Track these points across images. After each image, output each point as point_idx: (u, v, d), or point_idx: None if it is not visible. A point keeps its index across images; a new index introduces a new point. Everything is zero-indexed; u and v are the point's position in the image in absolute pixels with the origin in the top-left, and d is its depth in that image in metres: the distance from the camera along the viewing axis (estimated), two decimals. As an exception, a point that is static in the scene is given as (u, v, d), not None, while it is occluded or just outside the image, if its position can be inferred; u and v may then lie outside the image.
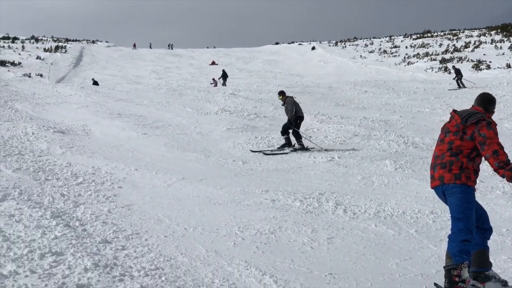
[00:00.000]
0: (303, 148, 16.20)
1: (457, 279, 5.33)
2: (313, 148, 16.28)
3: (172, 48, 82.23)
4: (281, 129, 17.02)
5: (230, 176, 12.35)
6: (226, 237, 7.61)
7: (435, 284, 5.64)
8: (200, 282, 5.81)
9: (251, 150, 15.76)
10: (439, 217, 8.72)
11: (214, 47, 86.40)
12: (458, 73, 33.97)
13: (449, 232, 5.58)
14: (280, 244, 7.37)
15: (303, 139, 16.65)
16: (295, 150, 16.10)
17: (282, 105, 17.44)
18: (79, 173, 11.47)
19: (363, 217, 8.82)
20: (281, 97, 17.38)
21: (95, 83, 40.14)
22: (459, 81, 33.43)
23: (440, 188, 5.66)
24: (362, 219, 8.67)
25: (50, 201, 8.97)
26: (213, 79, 43.60)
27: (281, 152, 15.89)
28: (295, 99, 17.38)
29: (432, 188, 5.85)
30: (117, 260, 6.29)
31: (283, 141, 16.82)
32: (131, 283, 5.59)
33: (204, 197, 10.03)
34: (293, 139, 16.71)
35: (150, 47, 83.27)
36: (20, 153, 12.99)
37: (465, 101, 26.15)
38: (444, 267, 5.49)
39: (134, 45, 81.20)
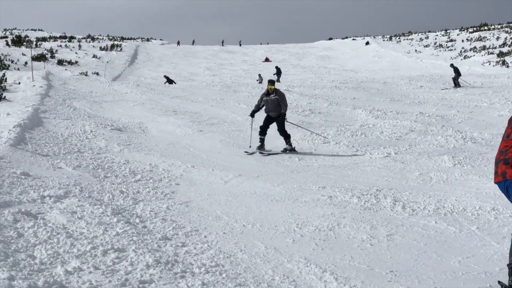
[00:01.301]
0: (293, 150, 15.24)
1: (521, 276, 5.23)
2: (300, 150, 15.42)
3: (223, 45, 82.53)
4: (260, 129, 15.81)
5: (286, 173, 12.34)
6: (284, 234, 7.60)
7: (499, 282, 5.54)
8: (261, 279, 5.82)
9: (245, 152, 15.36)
10: (501, 214, 8.55)
11: (268, 43, 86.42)
12: (456, 71, 32.28)
13: (512, 229, 5.47)
14: (339, 241, 7.33)
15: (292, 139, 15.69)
16: (286, 151, 15.16)
17: (269, 96, 15.97)
18: (137, 170, 11.60)
19: (422, 213, 8.70)
20: (272, 87, 16.12)
21: (169, 80, 40.29)
22: (456, 80, 31.67)
23: (503, 184, 5.55)
24: (421, 216, 8.56)
25: (110, 198, 9.10)
26: (259, 75, 43.47)
27: (268, 153, 15.13)
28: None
29: (495, 183, 5.74)
30: (178, 256, 6.34)
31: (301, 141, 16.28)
32: (193, 280, 5.63)
33: (261, 194, 10.05)
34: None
35: (193, 44, 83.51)
36: (80, 150, 13.21)
37: (525, 95, 25.65)
38: (507, 264, 5.39)
39: (178, 43, 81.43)
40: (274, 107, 15.86)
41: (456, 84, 31.13)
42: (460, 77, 31.81)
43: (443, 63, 50.85)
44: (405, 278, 5.98)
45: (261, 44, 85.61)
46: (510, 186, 5.46)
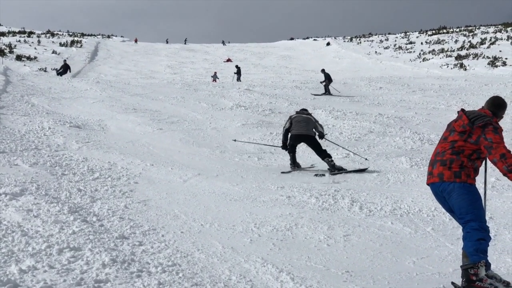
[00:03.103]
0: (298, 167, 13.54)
1: (474, 278, 5.33)
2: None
3: (186, 43, 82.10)
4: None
5: (245, 172, 12.37)
6: (242, 234, 7.63)
7: (452, 283, 5.63)
8: (217, 279, 5.83)
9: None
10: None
11: (229, 42, 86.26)
12: (327, 77, 31.14)
13: (466, 231, 5.56)
14: (297, 241, 7.38)
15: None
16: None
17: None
18: (95, 168, 11.51)
19: (379, 214, 8.81)
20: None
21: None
22: (327, 87, 30.56)
23: (438, 186, 5.65)
24: (378, 217, 8.66)
25: (67, 196, 9.02)
26: (215, 72, 43.26)
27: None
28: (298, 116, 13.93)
29: (428, 184, 5.84)
30: (135, 256, 6.32)
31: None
32: (149, 279, 5.61)
33: (220, 193, 10.06)
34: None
35: (167, 43, 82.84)
36: (37, 147, 13.06)
37: (481, 98, 26.03)
38: (461, 266, 5.49)
39: (136, 40, 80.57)
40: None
41: (327, 91, 30.23)
42: (331, 84, 30.88)
43: (402, 65, 51.48)
44: (360, 278, 6.05)
45: (223, 43, 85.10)
46: (446, 188, 5.56)
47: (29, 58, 47.39)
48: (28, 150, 12.60)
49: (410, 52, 60.40)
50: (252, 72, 49.95)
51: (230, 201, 9.51)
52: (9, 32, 66.55)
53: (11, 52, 49.25)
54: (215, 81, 39.08)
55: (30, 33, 67.69)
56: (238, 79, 40.72)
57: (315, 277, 6.03)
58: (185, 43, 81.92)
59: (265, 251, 6.89)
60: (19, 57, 46.72)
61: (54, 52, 53.14)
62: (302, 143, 13.68)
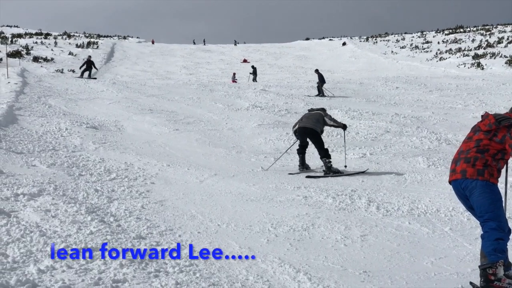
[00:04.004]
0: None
1: (492, 277, 5.31)
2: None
3: (205, 44, 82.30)
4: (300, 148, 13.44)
5: (262, 172, 12.36)
6: (259, 234, 7.63)
7: (471, 283, 5.60)
8: (235, 279, 5.82)
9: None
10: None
11: (244, 43, 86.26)
12: (320, 78, 30.58)
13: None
14: (314, 241, 7.36)
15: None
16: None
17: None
18: (112, 169, 11.57)
19: (396, 214, 8.76)
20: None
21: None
22: (320, 88, 30.01)
23: (460, 183, 5.63)
24: (395, 217, 8.62)
25: (85, 196, 9.07)
26: (234, 74, 43.28)
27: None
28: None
29: (450, 181, 5.82)
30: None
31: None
32: (166, 279, 5.62)
33: (236, 193, 10.07)
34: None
35: (235, 44, 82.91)
36: (54, 148, 13.13)
37: (499, 97, 25.93)
38: (479, 266, 5.46)
39: (153, 41, 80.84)
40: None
41: (320, 92, 29.76)
42: (324, 85, 30.28)
43: (419, 64, 51.22)
44: (378, 279, 6.02)
45: (238, 43, 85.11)
46: (468, 185, 5.54)
47: (46, 59, 47.64)
48: (46, 151, 12.68)
49: (427, 51, 60.10)
50: (268, 72, 49.94)
51: (247, 201, 9.52)
52: (26, 34, 66.93)
53: (28, 53, 49.53)
54: (235, 81, 39.07)
55: (47, 35, 68.04)
56: (254, 79, 40.72)
57: (333, 277, 6.01)
58: (204, 44, 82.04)
59: (282, 251, 6.88)
60: (36, 59, 46.99)
61: (70, 53, 53.39)
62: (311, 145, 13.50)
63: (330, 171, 12.57)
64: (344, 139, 14.76)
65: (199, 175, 11.65)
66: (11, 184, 9.16)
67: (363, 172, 12.47)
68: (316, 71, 32.51)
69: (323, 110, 13.66)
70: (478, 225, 7.94)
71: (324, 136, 14.41)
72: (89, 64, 37.46)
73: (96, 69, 39.12)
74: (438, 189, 10.59)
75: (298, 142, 13.52)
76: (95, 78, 35.71)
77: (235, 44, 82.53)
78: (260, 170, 12.61)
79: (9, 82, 24.40)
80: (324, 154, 12.81)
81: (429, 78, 35.41)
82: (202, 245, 6.94)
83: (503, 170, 5.87)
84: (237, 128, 18.53)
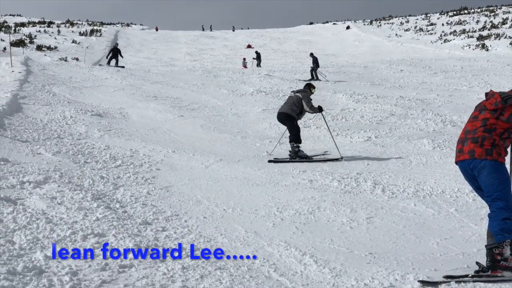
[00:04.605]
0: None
1: (499, 257, 5.30)
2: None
3: (211, 30, 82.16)
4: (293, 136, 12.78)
5: (267, 157, 12.38)
6: (265, 218, 7.65)
7: (477, 262, 5.60)
8: (241, 263, 5.84)
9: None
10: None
11: (248, 28, 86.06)
12: (315, 62, 30.44)
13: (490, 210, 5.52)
14: (319, 224, 7.38)
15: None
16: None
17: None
18: (117, 156, 11.58)
19: (402, 196, 8.78)
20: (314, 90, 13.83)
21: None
22: (313, 72, 30.02)
23: (469, 163, 5.59)
24: (401, 199, 8.64)
25: (90, 183, 9.09)
26: (244, 59, 43.25)
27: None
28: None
29: (457, 162, 5.77)
30: (158, 241, 6.36)
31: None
32: (173, 264, 5.64)
33: (242, 178, 10.08)
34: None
35: (203, 30, 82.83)
36: (59, 136, 13.15)
37: (504, 78, 25.82)
38: (485, 246, 5.44)
39: (156, 28, 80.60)
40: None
41: (313, 76, 29.72)
42: (318, 69, 30.24)
43: (423, 47, 51.07)
44: (384, 260, 6.03)
45: (241, 29, 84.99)
46: (477, 165, 5.50)
47: (49, 48, 47.66)
48: (51, 139, 12.69)
49: (431, 33, 59.87)
50: (272, 57, 49.88)
51: (252, 185, 9.54)
52: (29, 23, 66.91)
53: (31, 42, 49.54)
54: (246, 67, 39.00)
55: (50, 23, 67.98)
56: (258, 64, 40.65)
57: (339, 260, 6.03)
58: (210, 30, 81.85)
59: (288, 235, 6.90)
60: (39, 47, 47.01)
61: (74, 41, 53.38)
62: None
63: (297, 155, 12.39)
64: (325, 121, 14.10)
65: (204, 160, 11.66)
66: (17, 172, 9.17)
67: (336, 159, 12.11)
68: (311, 54, 32.47)
69: (305, 91, 13.30)
70: (483, 205, 7.98)
71: (329, 121, 14.38)
72: (115, 52, 36.82)
73: (122, 56, 38.07)
74: (443, 170, 10.59)
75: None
76: (123, 67, 35.04)
77: (233, 30, 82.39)
78: (265, 155, 12.62)
79: (13, 71, 24.38)
80: (293, 138, 12.63)
81: (434, 60, 35.30)
82: (208, 230, 6.97)
83: (509, 149, 5.86)
84: (242, 114, 18.52)
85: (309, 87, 13.63)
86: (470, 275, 5.39)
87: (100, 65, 35.15)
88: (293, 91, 13.49)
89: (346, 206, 8.14)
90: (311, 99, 13.18)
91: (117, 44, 39.73)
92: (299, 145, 12.60)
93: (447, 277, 5.40)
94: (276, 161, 12.10)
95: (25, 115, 15.35)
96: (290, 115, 12.85)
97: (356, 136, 14.75)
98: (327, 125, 13.96)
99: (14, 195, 7.85)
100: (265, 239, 6.68)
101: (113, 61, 36.03)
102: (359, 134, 14.97)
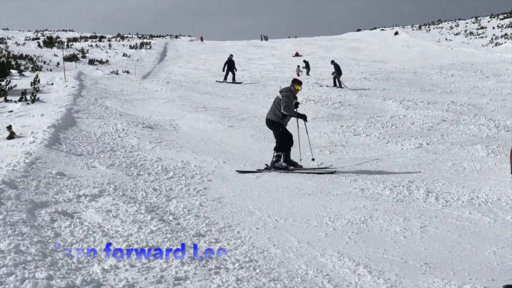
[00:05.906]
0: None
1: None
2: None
3: (267, 39, 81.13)
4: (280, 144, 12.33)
5: (312, 165, 12.34)
6: (317, 228, 7.63)
7: (536, 272, 5.50)
8: (294, 274, 5.85)
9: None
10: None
11: (296, 37, 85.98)
12: (337, 69, 29.85)
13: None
14: (372, 234, 7.33)
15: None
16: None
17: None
18: (169, 168, 11.70)
19: (456, 204, 8.66)
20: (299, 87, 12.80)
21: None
22: (336, 80, 29.50)
23: None
24: (455, 207, 8.52)
25: (144, 196, 9.20)
26: (298, 66, 43.15)
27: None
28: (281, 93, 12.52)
29: None
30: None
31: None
32: (227, 276, 5.68)
33: (293, 188, 10.08)
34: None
35: (261, 39, 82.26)
36: (112, 149, 13.35)
37: (558, 81, 25.24)
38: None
39: (201, 38, 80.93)
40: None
41: (336, 84, 29.25)
42: (341, 77, 29.83)
43: (474, 50, 50.23)
44: (439, 270, 5.97)
45: (289, 37, 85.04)
46: None
47: (101, 61, 48.43)
48: (104, 152, 12.90)
49: (482, 37, 58.93)
50: (320, 65, 49.67)
51: (304, 195, 9.53)
52: (81, 38, 68.20)
53: (83, 57, 50.42)
54: (299, 74, 38.95)
55: (101, 37, 69.19)
56: (307, 73, 40.58)
57: (393, 270, 5.98)
58: (266, 39, 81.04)
59: (341, 245, 6.88)
60: (91, 61, 47.81)
61: (124, 54, 54.14)
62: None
63: (273, 166, 11.98)
64: (306, 131, 13.28)
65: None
66: (73, 186, 9.35)
67: (323, 173, 11.47)
68: (332, 62, 32.16)
69: (288, 89, 12.50)
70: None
71: (379, 128, 14.25)
72: (230, 65, 33.18)
73: (235, 69, 33.71)
74: (499, 177, 10.41)
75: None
76: (241, 83, 31.91)
77: (262, 39, 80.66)
78: (313, 164, 12.57)
79: (66, 86, 24.86)
80: (277, 146, 12.23)
81: (485, 64, 34.76)
82: (261, 241, 6.99)
83: None
84: (291, 123, 18.48)
85: (293, 84, 12.69)
86: (528, 285, 5.29)
87: (217, 81, 32.48)
88: (280, 90, 12.67)
89: (399, 215, 8.07)
90: (296, 98, 12.55)
91: (231, 55, 35.40)
92: (281, 154, 12.08)
93: (506, 287, 5.32)
94: (245, 172, 11.65)
95: (79, 128, 15.63)
96: (274, 121, 12.37)
97: (407, 143, 14.60)
98: (308, 135, 13.31)
99: (71, 208, 8.00)
100: (318, 250, 6.67)
101: (230, 76, 32.74)
102: (410, 141, 14.81)
